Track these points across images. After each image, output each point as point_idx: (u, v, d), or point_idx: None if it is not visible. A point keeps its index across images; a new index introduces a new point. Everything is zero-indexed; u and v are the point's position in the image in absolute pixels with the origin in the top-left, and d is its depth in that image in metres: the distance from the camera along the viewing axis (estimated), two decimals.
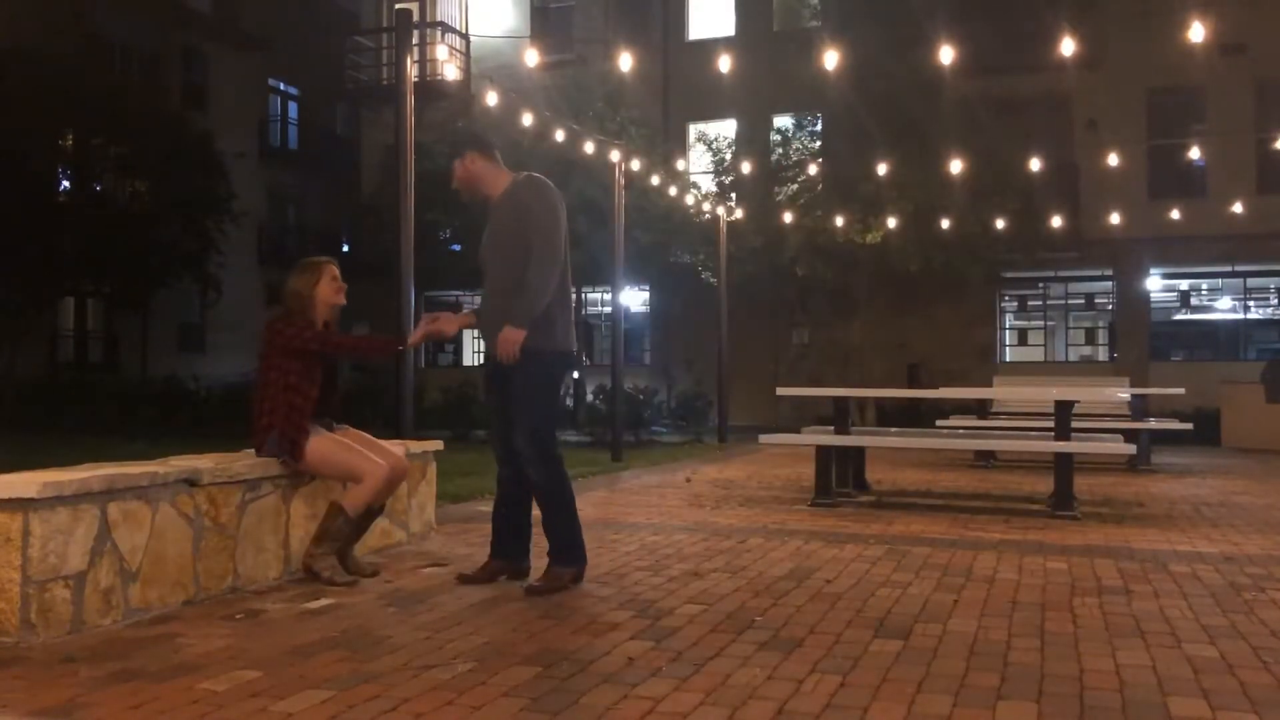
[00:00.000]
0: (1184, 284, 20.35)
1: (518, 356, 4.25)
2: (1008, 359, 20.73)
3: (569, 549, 4.40)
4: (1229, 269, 19.29)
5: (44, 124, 19.32)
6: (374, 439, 4.83)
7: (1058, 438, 6.95)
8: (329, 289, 4.74)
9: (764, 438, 7.79)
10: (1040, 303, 21.03)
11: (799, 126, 19.77)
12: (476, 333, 4.85)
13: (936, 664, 3.30)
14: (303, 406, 4.56)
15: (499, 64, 20.28)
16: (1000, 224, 16.34)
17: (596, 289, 21.64)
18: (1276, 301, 20.08)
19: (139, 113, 20.67)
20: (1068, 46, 8.83)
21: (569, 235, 4.50)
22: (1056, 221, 16.01)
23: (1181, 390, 10.70)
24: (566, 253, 4.42)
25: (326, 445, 4.59)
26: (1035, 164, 13.82)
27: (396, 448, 4.88)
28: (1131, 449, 7.66)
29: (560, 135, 11.86)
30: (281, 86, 30.33)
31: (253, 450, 4.59)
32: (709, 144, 19.87)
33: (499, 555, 4.59)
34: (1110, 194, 17.26)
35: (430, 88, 19.79)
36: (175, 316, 25.69)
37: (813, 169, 17.34)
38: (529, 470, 4.38)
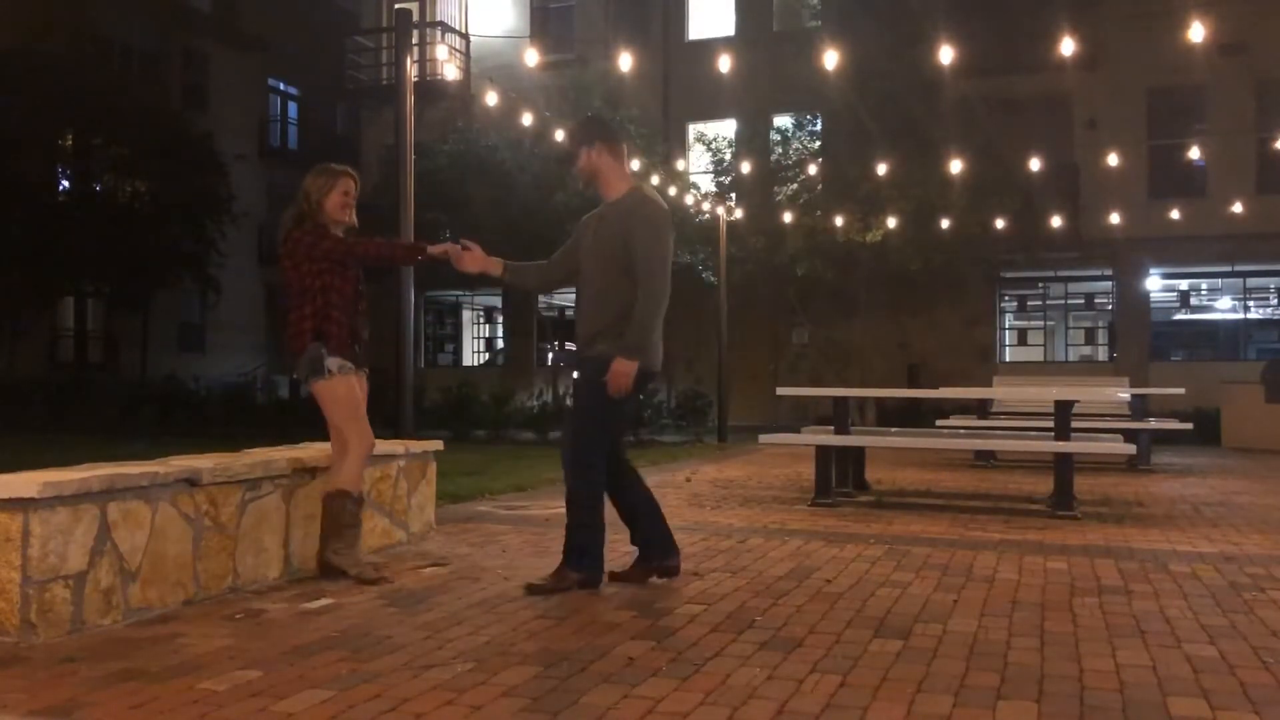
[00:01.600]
0: (1184, 284, 20.36)
1: (630, 389, 4.24)
2: (1008, 359, 20.73)
3: (582, 554, 4.36)
4: (1229, 269, 19.29)
5: (44, 124, 19.35)
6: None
7: (1058, 438, 6.95)
8: (337, 201, 4.63)
9: (764, 438, 7.79)
10: (1040, 303, 21.03)
11: (799, 126, 19.76)
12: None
13: (936, 664, 3.30)
14: (341, 305, 4.52)
15: (499, 64, 20.31)
16: (1000, 224, 16.34)
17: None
18: (1276, 301, 20.09)
19: (139, 113, 20.68)
20: (1067, 46, 8.83)
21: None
22: (1056, 221, 16.01)
23: (1181, 390, 10.70)
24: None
25: (347, 389, 4.51)
26: (1035, 164, 13.82)
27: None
28: (1131, 449, 7.66)
29: (560, 135, 11.85)
30: (281, 86, 30.34)
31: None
32: (708, 144, 19.87)
33: (644, 555, 4.55)
34: (1110, 194, 17.27)
35: (430, 88, 19.80)
36: (175, 316, 25.71)
37: (812, 169, 17.34)
38: (565, 472, 4.38)
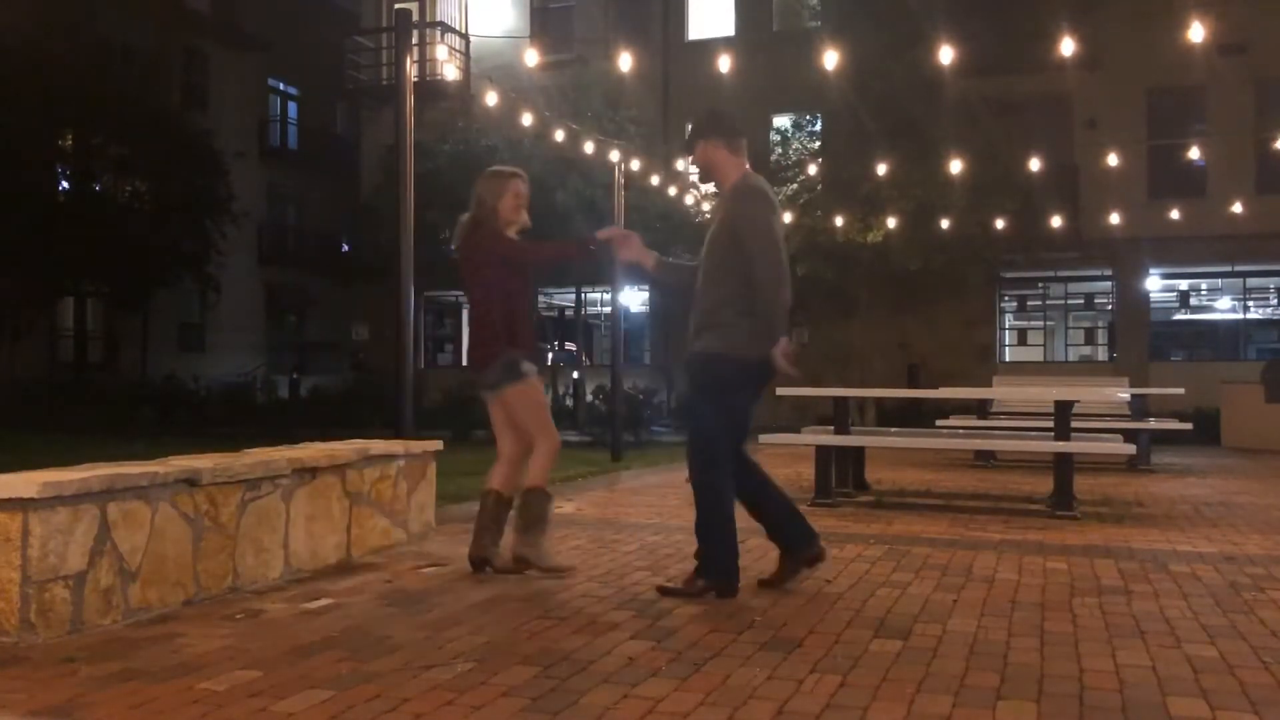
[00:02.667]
0: (1184, 284, 20.35)
1: (791, 366, 4.18)
2: (1008, 359, 20.73)
3: (712, 562, 4.27)
4: (1229, 269, 19.29)
5: (44, 124, 19.34)
6: None
7: (1058, 438, 6.95)
8: (510, 204, 4.68)
9: (763, 438, 7.79)
10: (1040, 303, 21.03)
11: (798, 126, 19.75)
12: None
13: (936, 664, 3.30)
14: (524, 318, 4.61)
15: (499, 64, 20.26)
16: (1000, 224, 16.33)
17: (596, 289, 21.65)
18: (1276, 301, 20.09)
19: (139, 113, 20.68)
20: (1068, 46, 8.83)
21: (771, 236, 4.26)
22: (1056, 221, 16.00)
23: (1181, 390, 10.70)
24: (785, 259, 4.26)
25: (539, 391, 4.63)
26: (1035, 164, 13.81)
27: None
28: (1131, 449, 7.66)
29: (560, 135, 11.85)
30: (281, 86, 30.33)
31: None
32: None
33: (786, 551, 4.47)
34: (1110, 194, 17.26)
35: (430, 88, 19.78)
36: (175, 316, 25.71)
37: (812, 169, 17.33)
38: (689, 468, 4.34)
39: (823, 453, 7.42)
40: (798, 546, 4.44)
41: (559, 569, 4.61)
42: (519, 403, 4.62)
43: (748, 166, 4.48)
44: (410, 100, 6.65)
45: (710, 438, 4.28)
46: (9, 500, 3.43)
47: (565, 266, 18.62)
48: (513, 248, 4.66)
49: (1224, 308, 20.53)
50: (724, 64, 10.14)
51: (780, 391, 8.38)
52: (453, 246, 4.78)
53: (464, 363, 5.16)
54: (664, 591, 4.29)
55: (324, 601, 4.15)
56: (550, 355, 23.28)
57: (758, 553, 5.32)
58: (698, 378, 4.34)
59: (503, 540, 4.73)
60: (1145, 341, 19.50)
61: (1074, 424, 7.32)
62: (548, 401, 4.77)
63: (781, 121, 19.96)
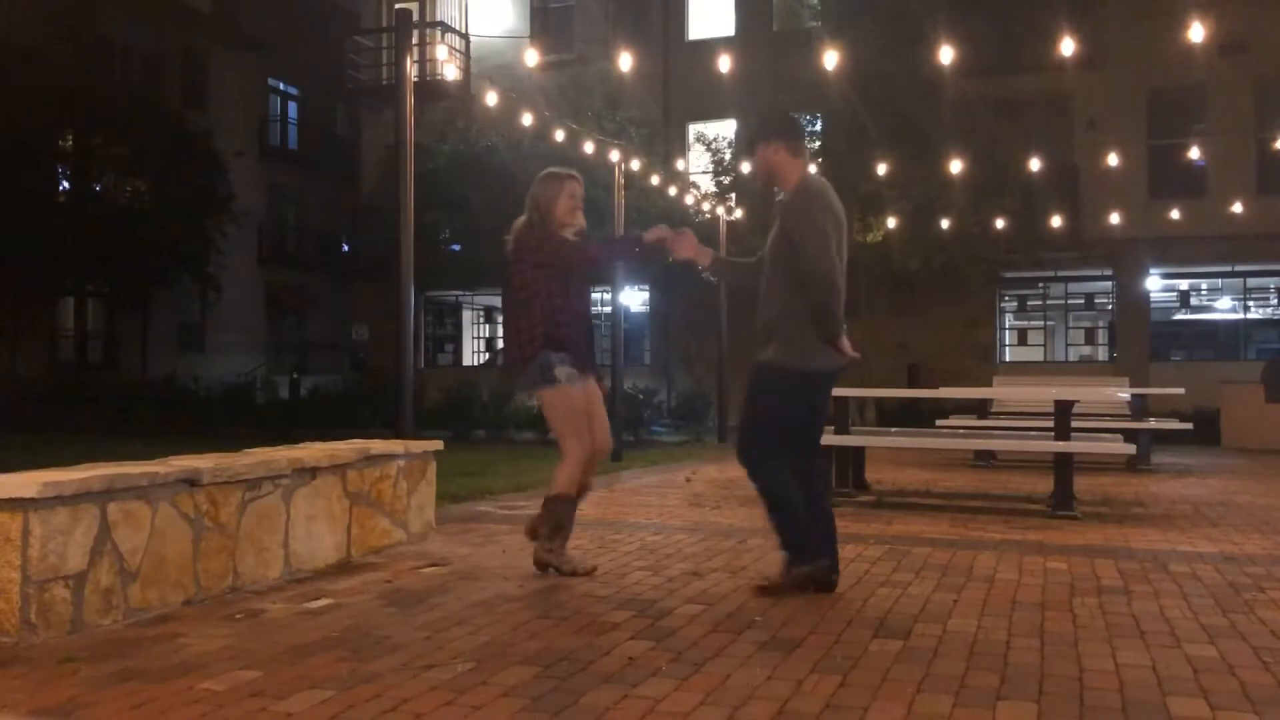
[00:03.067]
0: (1184, 284, 20.36)
1: (855, 356, 4.21)
2: (1008, 359, 20.73)
3: (800, 550, 4.28)
4: (1229, 269, 19.29)
5: (44, 124, 19.34)
6: (600, 406, 4.79)
7: (1058, 438, 6.95)
8: (566, 205, 4.68)
9: None
10: (1040, 303, 21.03)
11: None
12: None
13: (936, 664, 3.30)
14: (567, 321, 4.58)
15: (499, 64, 20.30)
16: (1000, 224, 16.33)
17: (596, 289, 21.64)
18: (1276, 301, 20.09)
19: (139, 113, 20.68)
20: (1068, 46, 8.83)
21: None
22: (1056, 221, 16.01)
23: (1181, 390, 10.70)
24: (838, 263, 4.17)
25: (571, 398, 4.60)
26: (1035, 164, 13.81)
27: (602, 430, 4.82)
28: (1131, 449, 7.65)
29: (560, 135, 11.85)
30: (281, 86, 30.32)
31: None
32: (708, 144, 19.87)
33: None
34: (1110, 194, 17.26)
35: (430, 88, 19.80)
36: (175, 316, 25.70)
37: (812, 168, 17.28)
38: (747, 474, 4.35)
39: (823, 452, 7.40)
40: (806, 557, 4.31)
41: (581, 570, 4.63)
42: (549, 407, 4.62)
43: (806, 168, 4.44)
44: (410, 100, 6.66)
45: (755, 438, 4.30)
46: (9, 500, 3.43)
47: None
48: (560, 249, 4.62)
49: (1224, 308, 20.53)
50: (724, 64, 10.14)
51: None
52: (507, 249, 4.75)
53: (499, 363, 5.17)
54: (763, 592, 4.25)
55: (324, 601, 4.15)
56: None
57: (758, 552, 5.33)
58: (754, 383, 4.33)
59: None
60: (1145, 341, 19.50)
61: (1074, 424, 7.32)
62: (586, 406, 4.69)
63: None
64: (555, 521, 4.63)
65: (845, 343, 4.21)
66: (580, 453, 4.63)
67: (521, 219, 4.75)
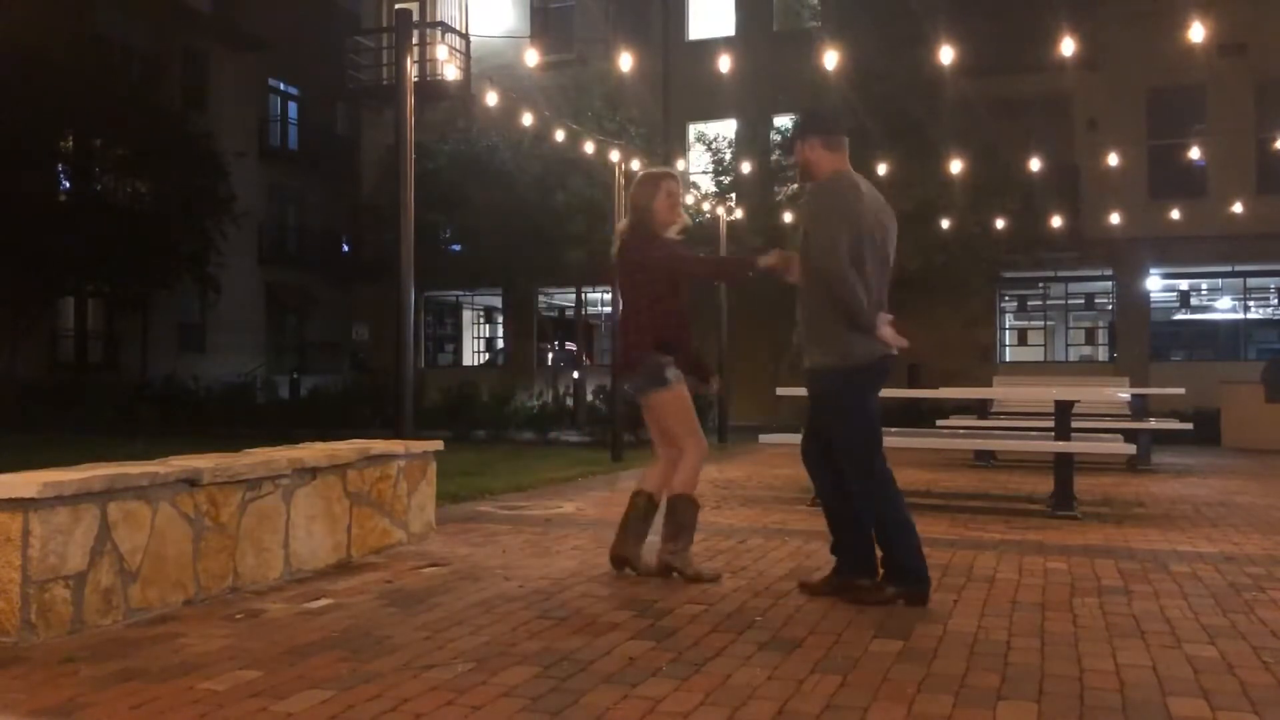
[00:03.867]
0: (1184, 284, 20.36)
1: (898, 341, 4.16)
2: (1008, 359, 20.73)
3: (896, 567, 4.14)
4: (1229, 269, 19.30)
5: (45, 124, 19.33)
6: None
7: (1058, 438, 6.95)
8: (664, 205, 4.66)
9: (764, 438, 7.79)
10: (1040, 303, 21.04)
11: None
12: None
13: (936, 664, 3.30)
14: (674, 323, 4.59)
15: (499, 64, 20.28)
16: (1000, 224, 16.33)
17: (597, 289, 21.64)
18: (1276, 301, 20.09)
19: (139, 113, 20.66)
20: (1068, 46, 8.82)
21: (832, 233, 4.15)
22: (1056, 221, 16.01)
23: (1181, 390, 10.69)
24: (861, 257, 4.12)
25: (685, 399, 4.61)
26: (1035, 164, 13.81)
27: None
28: (1131, 449, 7.65)
29: (560, 135, 11.85)
30: (281, 86, 30.31)
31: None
32: (708, 144, 19.86)
33: (838, 567, 4.32)
34: (1110, 194, 17.26)
35: (430, 88, 19.80)
36: (175, 316, 25.68)
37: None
38: (853, 492, 4.22)
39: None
40: (848, 572, 4.26)
41: (706, 576, 4.56)
42: (664, 409, 4.61)
43: (846, 165, 4.34)
44: (410, 100, 6.66)
45: (851, 448, 4.20)
46: (9, 500, 3.43)
47: (565, 267, 18.64)
48: (671, 257, 4.61)
49: (1224, 308, 20.53)
50: (724, 64, 10.14)
51: (780, 392, 8.38)
52: (612, 253, 4.77)
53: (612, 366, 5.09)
54: (849, 598, 4.12)
55: (324, 601, 4.15)
56: (551, 356, 23.29)
57: (758, 552, 5.33)
58: (817, 394, 4.29)
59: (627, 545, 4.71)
60: (1145, 341, 19.51)
61: (1074, 424, 7.32)
62: (693, 406, 4.72)
63: (782, 121, 19.95)
64: (679, 522, 4.58)
65: (886, 331, 4.14)
66: (701, 451, 4.66)
67: (624, 222, 4.79)
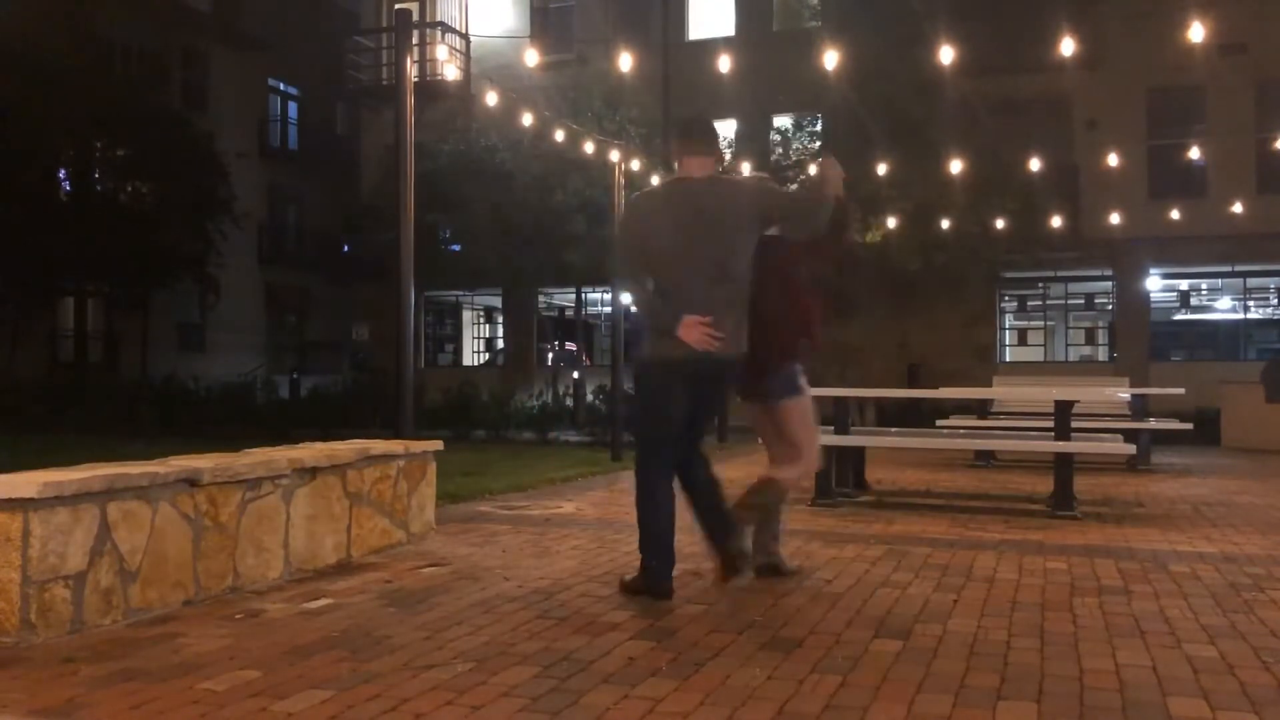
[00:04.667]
0: (1184, 284, 20.36)
1: (704, 343, 4.12)
2: (1008, 359, 20.73)
3: (642, 550, 4.32)
4: (1229, 269, 19.29)
5: (44, 124, 19.32)
6: None
7: (1058, 438, 6.95)
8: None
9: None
10: (1040, 303, 21.03)
11: (799, 126, 19.75)
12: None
13: (936, 664, 3.30)
14: (816, 319, 4.61)
15: (499, 64, 20.29)
16: (1000, 224, 16.34)
17: (596, 289, 21.64)
18: (1276, 301, 20.09)
19: (139, 113, 20.67)
20: (1068, 46, 8.82)
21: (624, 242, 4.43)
22: (1056, 221, 16.01)
23: (1181, 390, 10.69)
24: (632, 266, 4.30)
25: (810, 404, 4.63)
26: (1035, 164, 13.81)
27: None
28: (1131, 449, 7.66)
29: (560, 135, 11.85)
30: (281, 86, 30.31)
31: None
32: None
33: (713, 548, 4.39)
34: (1110, 194, 17.26)
35: (430, 88, 19.78)
36: (175, 316, 25.70)
37: (812, 169, 17.32)
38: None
39: (822, 453, 7.40)
40: (721, 540, 4.34)
41: (787, 569, 4.70)
42: (795, 416, 4.59)
43: (688, 170, 4.30)
44: (410, 100, 6.65)
45: (636, 438, 4.43)
46: (9, 500, 3.43)
47: (565, 267, 18.63)
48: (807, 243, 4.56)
49: (1224, 308, 20.53)
50: (724, 64, 10.14)
51: None
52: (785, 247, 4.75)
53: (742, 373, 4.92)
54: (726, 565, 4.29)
55: (324, 601, 4.15)
56: (552, 356, 23.27)
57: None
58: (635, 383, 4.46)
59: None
60: (1145, 341, 19.50)
61: (1074, 424, 7.32)
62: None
63: (782, 121, 19.96)
64: (760, 498, 4.55)
65: (692, 331, 4.04)
66: (813, 462, 4.72)
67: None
